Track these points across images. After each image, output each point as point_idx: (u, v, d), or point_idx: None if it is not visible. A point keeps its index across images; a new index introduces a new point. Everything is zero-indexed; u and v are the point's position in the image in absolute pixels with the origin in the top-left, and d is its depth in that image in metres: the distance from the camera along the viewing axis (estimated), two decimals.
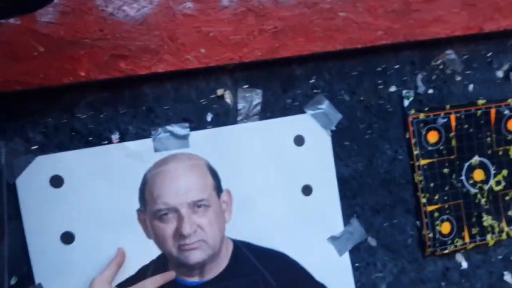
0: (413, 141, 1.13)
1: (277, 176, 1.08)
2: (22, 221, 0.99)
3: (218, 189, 1.05)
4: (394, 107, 1.13)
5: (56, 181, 0.99)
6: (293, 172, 1.09)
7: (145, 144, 1.02)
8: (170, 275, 1.04)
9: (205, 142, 1.05)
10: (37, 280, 0.99)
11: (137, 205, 1.02)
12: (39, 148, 0.99)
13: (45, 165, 0.99)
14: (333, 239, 1.10)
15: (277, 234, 1.09)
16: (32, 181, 0.99)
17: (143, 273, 1.03)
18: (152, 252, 1.04)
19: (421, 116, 1.13)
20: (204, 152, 1.05)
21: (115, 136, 1.01)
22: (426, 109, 1.14)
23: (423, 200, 1.13)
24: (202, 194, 1.03)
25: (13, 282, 0.98)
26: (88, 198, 1.01)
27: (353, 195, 1.12)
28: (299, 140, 1.08)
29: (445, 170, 1.15)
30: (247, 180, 1.07)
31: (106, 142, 1.01)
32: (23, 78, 0.93)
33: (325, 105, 1.09)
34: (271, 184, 1.08)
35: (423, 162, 1.13)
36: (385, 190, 1.14)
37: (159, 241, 1.03)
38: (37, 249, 0.99)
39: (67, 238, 1.00)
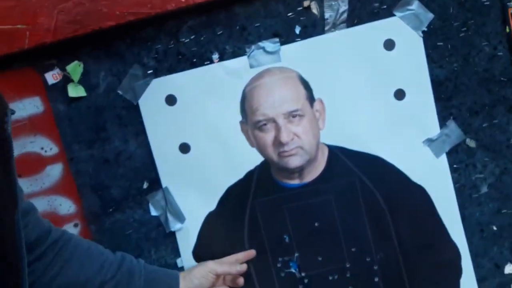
0: None
1: (368, 82, 1.01)
2: (146, 136, 1.02)
3: (311, 99, 1.00)
4: (491, 1, 0.97)
5: (171, 100, 1.02)
6: (385, 77, 1.01)
7: (242, 62, 1.02)
8: (251, 253, 1.04)
9: (295, 55, 1.01)
10: (163, 184, 1.03)
11: (239, 117, 1.01)
12: (153, 72, 1.01)
13: (160, 86, 1.03)
14: (429, 141, 1.00)
15: (371, 138, 1.03)
16: (150, 101, 1.03)
17: (250, 176, 1.04)
18: (256, 158, 1.04)
19: None
20: (295, 64, 1.01)
21: (215, 56, 1.01)
22: None
23: None
24: (296, 105, 1.00)
25: (145, 186, 1.04)
26: (198, 113, 1.04)
27: (448, 97, 1.00)
28: (389, 45, 0.98)
29: None
30: (339, 88, 1.01)
31: (208, 62, 1.00)
32: (134, 9, 0.95)
33: (415, 5, 0.97)
34: (363, 91, 1.01)
35: None
36: (483, 90, 1.00)
37: (261, 149, 1.03)
38: (161, 158, 1.05)
39: (184, 148, 1.03)
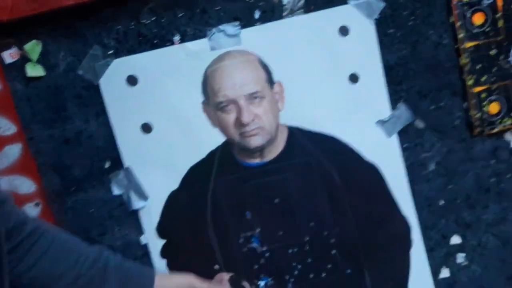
0: (457, 24, 1.00)
1: (324, 66, 1.02)
2: (108, 116, 1.00)
3: (270, 81, 1.00)
4: None
5: (132, 80, 1.00)
6: (339, 61, 1.02)
7: (202, 44, 1.00)
8: None
9: (255, 38, 1.01)
10: (125, 164, 1.00)
11: (201, 98, 0.99)
12: (114, 52, 0.98)
13: (121, 67, 1.01)
14: (381, 122, 1.03)
15: (328, 119, 1.05)
16: (111, 81, 1.01)
17: (212, 157, 1.03)
18: (217, 139, 1.03)
19: None
20: (255, 48, 1.01)
21: (176, 38, 0.99)
22: None
23: (470, 82, 1.01)
24: (256, 87, 1.00)
25: (106, 165, 1.01)
26: (160, 94, 1.03)
27: (399, 81, 1.03)
28: (343, 31, 1.00)
29: (492, 52, 1.01)
30: (297, 71, 1.02)
31: (169, 44, 0.98)
32: None
33: None
34: (319, 74, 1.03)
35: (468, 45, 1.00)
36: (431, 75, 1.04)
37: (223, 129, 1.02)
38: (122, 138, 1.03)
39: (146, 128, 1.01)
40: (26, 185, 1.02)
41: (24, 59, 1.00)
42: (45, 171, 1.02)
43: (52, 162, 1.02)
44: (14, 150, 1.02)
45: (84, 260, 0.86)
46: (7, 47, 0.98)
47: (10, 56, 1.00)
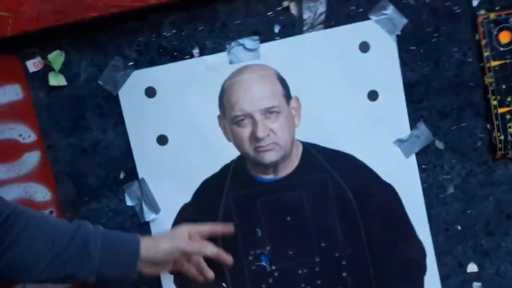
0: (483, 42, 0.95)
1: (343, 82, 0.99)
2: (125, 127, 0.99)
3: (288, 96, 0.98)
4: (462, 8, 0.97)
5: (150, 92, 0.99)
6: (359, 78, 0.99)
7: (221, 57, 0.99)
8: (228, 227, 0.99)
9: (274, 53, 0.99)
10: (140, 175, 1.00)
11: (217, 111, 0.98)
12: (134, 64, 0.98)
13: (140, 78, 1.00)
14: (399, 142, 0.99)
15: (344, 137, 1.01)
16: (130, 92, 1.00)
17: (225, 171, 1.01)
18: (232, 153, 1.01)
19: (492, 16, 0.95)
20: (274, 62, 0.99)
21: (195, 51, 0.98)
22: (497, 8, 0.95)
23: (494, 103, 0.97)
24: (273, 102, 0.98)
25: (121, 176, 1.00)
26: (177, 106, 1.02)
27: (419, 100, 0.99)
28: (364, 47, 0.96)
29: None
30: (315, 87, 1.00)
31: (188, 56, 0.97)
32: (117, 1, 0.92)
33: (389, 10, 0.96)
34: (338, 90, 1.00)
35: (494, 63, 0.96)
36: (453, 94, 0.99)
37: (238, 143, 1.00)
38: (138, 149, 1.03)
39: (162, 140, 1.00)
40: (41, 193, 1.02)
41: (47, 68, 1.01)
42: (61, 180, 1.02)
43: (68, 170, 1.03)
44: (33, 158, 1.02)
45: (61, 237, 0.83)
46: (32, 56, 1.00)
47: (33, 65, 1.01)
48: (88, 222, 0.90)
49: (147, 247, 0.88)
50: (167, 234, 0.96)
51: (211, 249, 0.93)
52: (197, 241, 0.93)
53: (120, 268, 0.86)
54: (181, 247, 0.90)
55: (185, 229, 0.93)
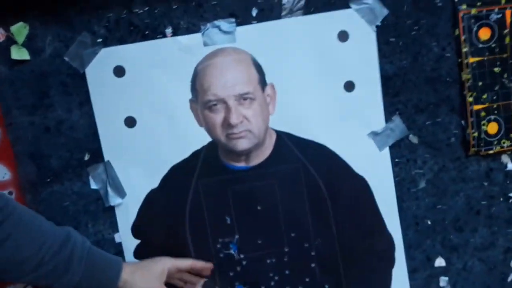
0: (462, 38, 0.94)
1: (320, 71, 0.97)
2: (92, 106, 0.96)
3: (263, 83, 0.95)
4: (443, 2, 0.96)
5: (119, 71, 0.95)
6: (336, 67, 0.97)
7: (195, 39, 0.96)
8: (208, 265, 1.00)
9: (251, 37, 0.96)
10: (106, 158, 0.96)
11: (189, 95, 0.95)
12: (103, 41, 0.93)
13: (109, 56, 0.96)
14: (373, 134, 0.98)
15: (318, 127, 1.00)
16: (98, 70, 0.96)
17: (195, 157, 0.98)
18: (203, 138, 0.99)
19: (473, 11, 0.93)
20: (250, 46, 0.96)
21: (168, 31, 0.95)
22: (478, 4, 0.94)
23: (470, 99, 0.96)
24: (247, 88, 0.95)
25: (86, 158, 0.96)
26: (147, 87, 0.98)
27: (396, 93, 0.98)
28: (343, 36, 0.94)
29: (496, 69, 0.96)
30: (291, 74, 0.97)
31: (160, 36, 0.94)
32: None
33: (370, 0, 0.92)
34: (314, 79, 0.98)
35: (472, 60, 0.95)
36: (430, 89, 0.98)
37: (209, 129, 0.98)
38: (105, 130, 0.99)
39: (130, 122, 0.97)
40: (0, 172, 0.97)
41: (10, 41, 0.95)
42: (21, 159, 0.98)
43: (30, 150, 0.98)
44: None
45: (48, 247, 0.82)
46: None
47: None
48: (76, 231, 0.88)
49: (125, 280, 0.89)
50: (146, 270, 0.93)
51: (205, 265, 0.97)
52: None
53: None
54: (172, 264, 0.94)
55: (166, 266, 0.94)
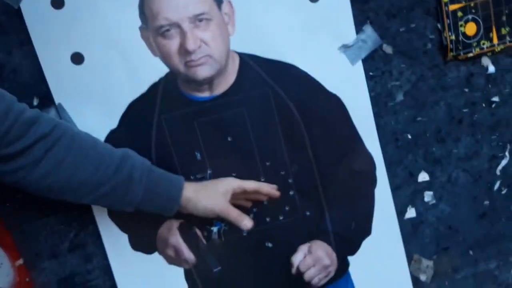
0: None
1: None
2: (33, 46, 0.89)
3: (219, 0, 0.85)
4: None
5: (57, 2, 0.86)
6: None
7: None
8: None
9: None
10: (56, 101, 0.89)
11: (139, 22, 0.86)
12: None
13: None
14: (344, 47, 0.91)
15: (285, 45, 0.94)
16: (34, 4, 0.87)
17: (154, 90, 0.91)
18: (160, 69, 0.90)
19: None
20: None
21: None
22: None
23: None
24: (202, 7, 0.88)
25: (35, 103, 0.89)
26: (90, 18, 0.90)
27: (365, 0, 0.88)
28: None
29: None
30: None
31: None
32: None
33: None
34: None
35: None
36: None
37: (165, 58, 0.91)
38: (51, 70, 0.92)
39: (77, 58, 0.89)
40: None
41: None
42: None
43: None
44: None
45: (105, 169, 0.82)
46: None
47: None
48: (135, 152, 0.87)
49: (188, 198, 0.88)
50: (210, 188, 0.92)
51: (245, 223, 0.92)
52: (236, 212, 0.92)
53: (159, 208, 0.88)
54: (219, 212, 0.90)
55: (230, 187, 0.92)
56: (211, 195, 0.91)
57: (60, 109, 0.92)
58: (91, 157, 0.82)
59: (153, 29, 0.89)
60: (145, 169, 0.86)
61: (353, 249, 1.03)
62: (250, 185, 0.94)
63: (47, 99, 0.92)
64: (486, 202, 1.05)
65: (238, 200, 0.95)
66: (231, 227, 0.97)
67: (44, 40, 0.90)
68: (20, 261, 0.98)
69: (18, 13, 0.88)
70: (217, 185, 0.93)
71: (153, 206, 0.87)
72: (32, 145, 0.78)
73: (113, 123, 0.94)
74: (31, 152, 0.78)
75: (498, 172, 1.04)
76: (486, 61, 0.98)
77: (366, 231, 1.02)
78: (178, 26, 0.88)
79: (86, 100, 0.93)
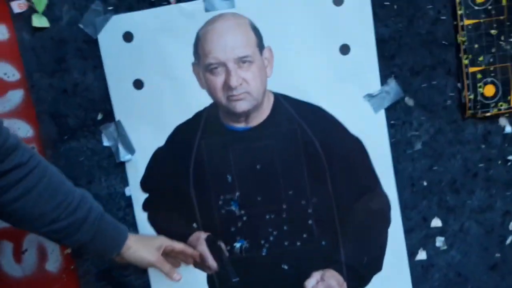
0: (458, 0, 0.96)
1: (316, 34, 1.02)
2: (104, 70, 1.05)
3: (261, 46, 1.02)
4: None
5: (128, 37, 1.04)
6: (332, 31, 1.02)
7: (197, 5, 1.03)
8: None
9: (249, 2, 1.02)
10: (116, 117, 1.06)
11: (192, 59, 1.03)
12: (114, 9, 1.03)
13: (118, 23, 1.05)
14: (369, 96, 1.03)
15: (315, 89, 1.06)
16: (109, 36, 1.05)
17: (198, 117, 1.07)
18: (205, 100, 1.06)
19: None
20: (248, 11, 1.03)
21: None
22: None
23: (466, 62, 0.99)
24: (246, 51, 1.02)
25: (99, 117, 1.07)
26: (153, 52, 1.06)
27: (391, 56, 1.02)
28: (338, 0, 0.98)
29: (493, 31, 0.98)
30: (288, 38, 1.03)
31: (165, 3, 1.02)
32: None
33: None
34: (310, 42, 1.03)
35: (467, 22, 0.98)
36: (425, 51, 1.02)
37: (211, 91, 1.05)
38: (115, 92, 1.08)
39: (138, 84, 1.06)
40: (24, 129, 1.10)
41: (31, 10, 1.05)
42: (43, 118, 1.09)
43: (49, 110, 1.09)
44: (17, 96, 1.09)
45: (66, 206, 0.88)
46: None
47: (18, 6, 1.06)
48: (91, 196, 0.96)
49: (129, 246, 0.98)
50: (147, 241, 1.04)
51: (175, 276, 1.03)
52: (168, 266, 1.03)
53: (102, 251, 0.97)
54: (152, 263, 1.01)
55: (164, 243, 1.03)
56: (148, 246, 1.01)
57: (118, 125, 1.10)
58: (57, 191, 0.87)
59: (203, 65, 1.05)
60: (99, 214, 0.93)
61: (363, 283, 1.11)
62: (178, 246, 1.05)
63: (109, 116, 1.10)
64: (498, 255, 1.09)
65: (168, 256, 1.05)
66: (252, 245, 1.09)
67: (113, 66, 1.08)
68: (68, 250, 1.14)
69: (96, 43, 1.07)
70: (154, 239, 1.05)
71: (98, 248, 0.95)
72: (9, 171, 0.81)
73: (161, 142, 1.10)
74: (6, 178, 0.82)
75: (511, 228, 1.09)
76: (503, 121, 1.06)
77: (377, 267, 1.10)
78: (224, 65, 1.03)
79: (141, 120, 1.09)
